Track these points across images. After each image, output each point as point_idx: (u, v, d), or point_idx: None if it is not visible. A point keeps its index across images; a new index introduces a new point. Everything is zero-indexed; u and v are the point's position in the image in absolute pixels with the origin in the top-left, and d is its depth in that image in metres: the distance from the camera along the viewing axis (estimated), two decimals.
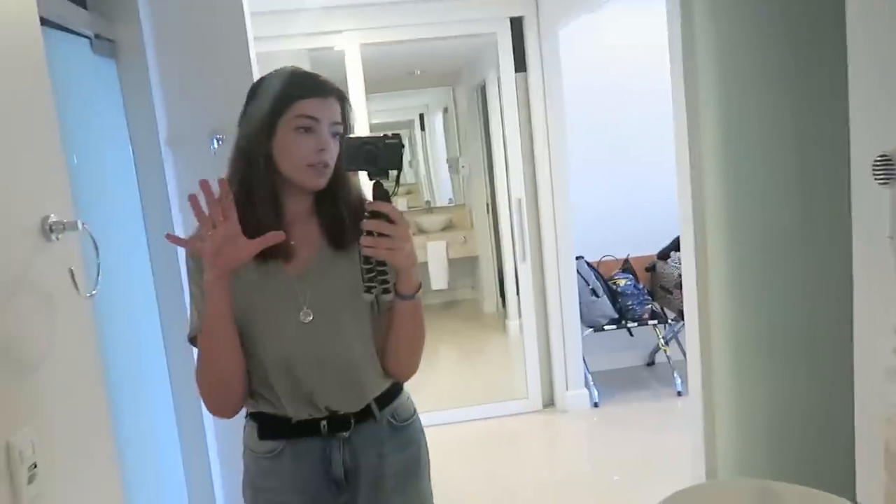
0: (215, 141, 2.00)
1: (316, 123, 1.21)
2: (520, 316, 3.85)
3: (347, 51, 3.47)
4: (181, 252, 2.04)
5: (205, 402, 1.25)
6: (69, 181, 1.33)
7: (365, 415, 1.28)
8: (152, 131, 1.94)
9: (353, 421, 1.27)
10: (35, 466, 1.05)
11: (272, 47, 3.16)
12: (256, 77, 2.08)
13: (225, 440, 2.14)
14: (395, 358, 1.28)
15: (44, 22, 1.49)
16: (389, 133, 1.14)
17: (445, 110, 6.35)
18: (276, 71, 1.27)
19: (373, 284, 1.16)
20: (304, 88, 1.22)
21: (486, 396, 3.98)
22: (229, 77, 2.00)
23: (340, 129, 1.25)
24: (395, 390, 1.34)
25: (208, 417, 2.11)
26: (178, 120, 2.00)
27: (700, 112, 2.05)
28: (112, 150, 1.88)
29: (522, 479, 3.15)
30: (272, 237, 1.14)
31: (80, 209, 1.51)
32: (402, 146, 1.14)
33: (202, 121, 2.00)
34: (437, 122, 6.60)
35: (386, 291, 1.17)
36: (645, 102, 3.74)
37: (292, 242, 1.24)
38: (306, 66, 1.31)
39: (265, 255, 1.20)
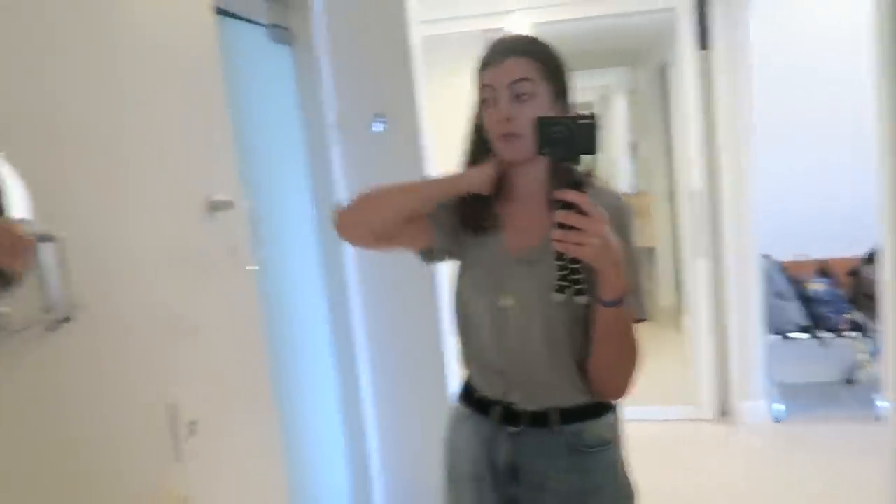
0: (378, 123, 2.06)
1: (493, 92, 1.14)
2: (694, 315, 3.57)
3: (519, 31, 3.41)
4: None
5: (352, 216, 1.22)
6: (242, 161, 1.43)
7: (541, 420, 1.20)
8: (321, 114, 2.05)
9: (523, 420, 1.21)
10: (195, 423, 1.15)
11: (443, 30, 3.19)
12: (418, 60, 2.11)
13: (386, 417, 2.23)
14: (596, 373, 1.18)
15: (224, 12, 1.62)
16: (584, 112, 1.02)
17: (628, 92, 6.05)
18: None
19: (565, 283, 1.05)
20: (484, 59, 1.17)
21: (653, 397, 3.74)
22: (391, 61, 2.04)
23: (527, 86, 1.13)
24: (594, 410, 1.22)
25: (370, 409, 2.21)
26: (344, 103, 2.09)
27: None
28: (285, 132, 2.01)
29: (685, 496, 2.93)
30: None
31: (255, 187, 1.63)
32: (598, 127, 1.00)
33: (366, 104, 2.07)
34: (618, 104, 6.31)
35: (579, 293, 1.05)
36: (850, 81, 3.24)
37: (504, 219, 1.21)
38: (476, 49, 1.24)
39: (486, 230, 1.21)
